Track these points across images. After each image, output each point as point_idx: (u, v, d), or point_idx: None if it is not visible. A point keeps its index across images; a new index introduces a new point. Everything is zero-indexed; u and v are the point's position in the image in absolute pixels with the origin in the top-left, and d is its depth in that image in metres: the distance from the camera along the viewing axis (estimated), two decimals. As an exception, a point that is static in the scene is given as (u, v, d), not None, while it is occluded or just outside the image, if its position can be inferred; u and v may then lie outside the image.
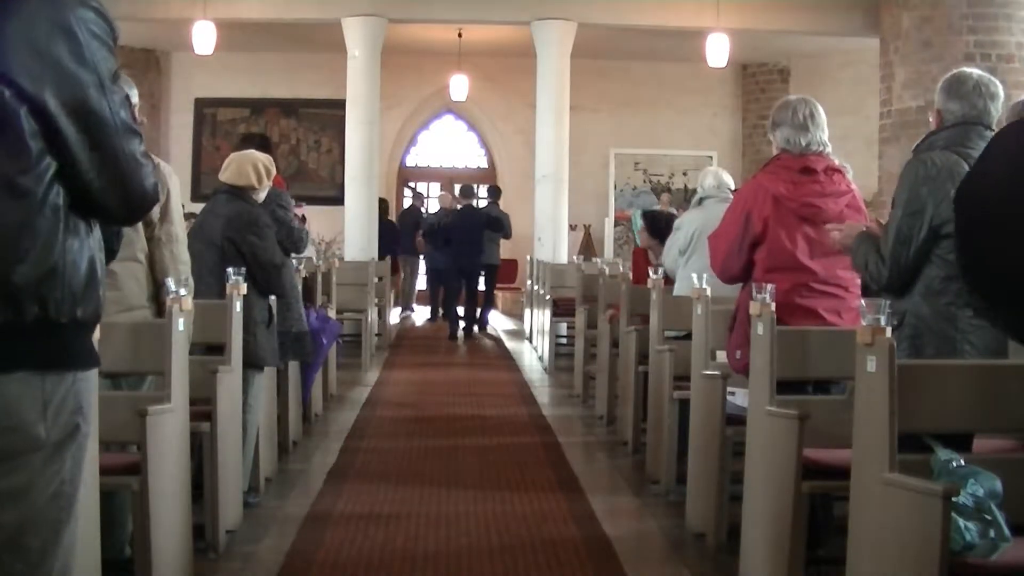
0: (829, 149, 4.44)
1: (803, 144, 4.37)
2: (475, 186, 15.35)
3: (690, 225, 6.21)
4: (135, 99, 3.85)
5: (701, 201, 6.28)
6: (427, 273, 16.41)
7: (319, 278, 8.37)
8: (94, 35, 1.92)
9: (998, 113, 3.69)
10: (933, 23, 11.43)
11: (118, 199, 1.98)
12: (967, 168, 3.53)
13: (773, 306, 3.93)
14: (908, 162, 3.70)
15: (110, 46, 1.96)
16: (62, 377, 1.94)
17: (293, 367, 6.52)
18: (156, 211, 4.02)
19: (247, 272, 5.05)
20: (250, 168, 5.34)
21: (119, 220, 2.11)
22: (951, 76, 3.73)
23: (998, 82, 3.75)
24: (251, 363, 5.17)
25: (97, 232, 2.03)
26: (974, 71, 3.75)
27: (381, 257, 13.91)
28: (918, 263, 3.57)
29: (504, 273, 16.74)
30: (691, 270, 6.00)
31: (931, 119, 3.78)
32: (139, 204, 2.04)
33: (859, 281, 4.35)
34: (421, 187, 18.56)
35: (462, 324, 13.93)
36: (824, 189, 4.35)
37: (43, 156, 1.88)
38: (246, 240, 5.20)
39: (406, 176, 18.72)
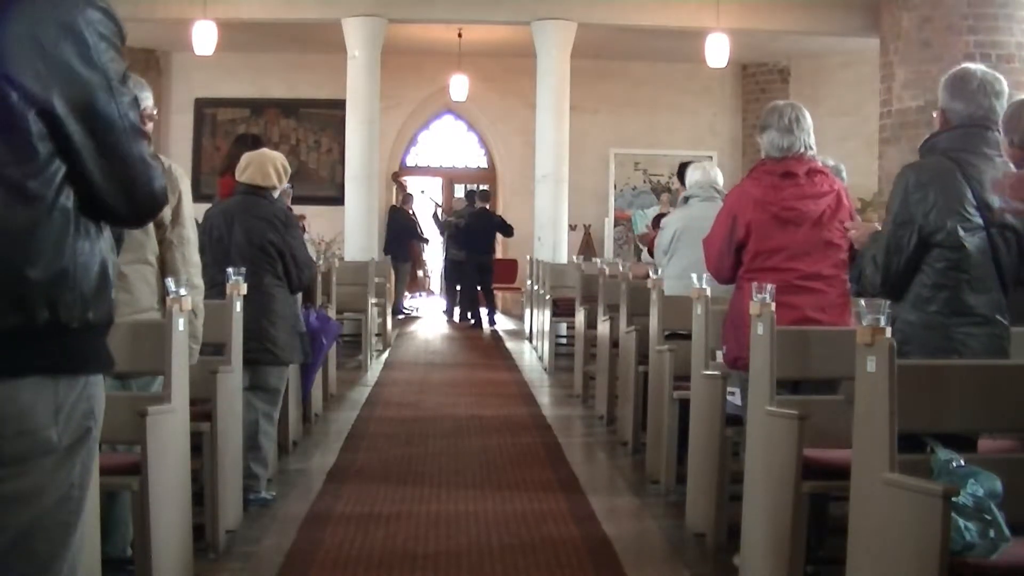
0: (813, 152, 4.49)
1: (786, 147, 4.45)
2: (476, 188, 16.08)
3: (672, 225, 6.24)
4: (149, 101, 3.85)
5: (687, 200, 6.29)
6: (444, 268, 17.05)
7: (319, 278, 8.37)
8: (102, 36, 1.91)
9: (1003, 111, 3.67)
10: (933, 23, 11.43)
11: (125, 201, 1.97)
12: (960, 174, 3.53)
13: (773, 306, 3.94)
14: (901, 169, 3.71)
15: (118, 47, 1.95)
16: (74, 381, 1.93)
17: (293, 367, 6.53)
18: (168, 213, 4.01)
19: (283, 271, 5.38)
20: (271, 168, 5.48)
21: (126, 222, 2.09)
22: (955, 74, 3.69)
23: (1003, 79, 3.72)
24: (286, 360, 5.50)
25: (108, 234, 2.01)
26: (978, 68, 3.71)
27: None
28: (909, 271, 3.58)
29: (504, 273, 16.96)
30: (673, 269, 6.03)
31: (935, 117, 3.75)
32: (146, 206, 2.03)
33: (843, 276, 4.42)
34: (418, 187, 18.58)
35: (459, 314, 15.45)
36: (804, 191, 4.42)
37: (52, 159, 1.87)
38: (286, 241, 5.41)
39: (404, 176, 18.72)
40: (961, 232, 3.50)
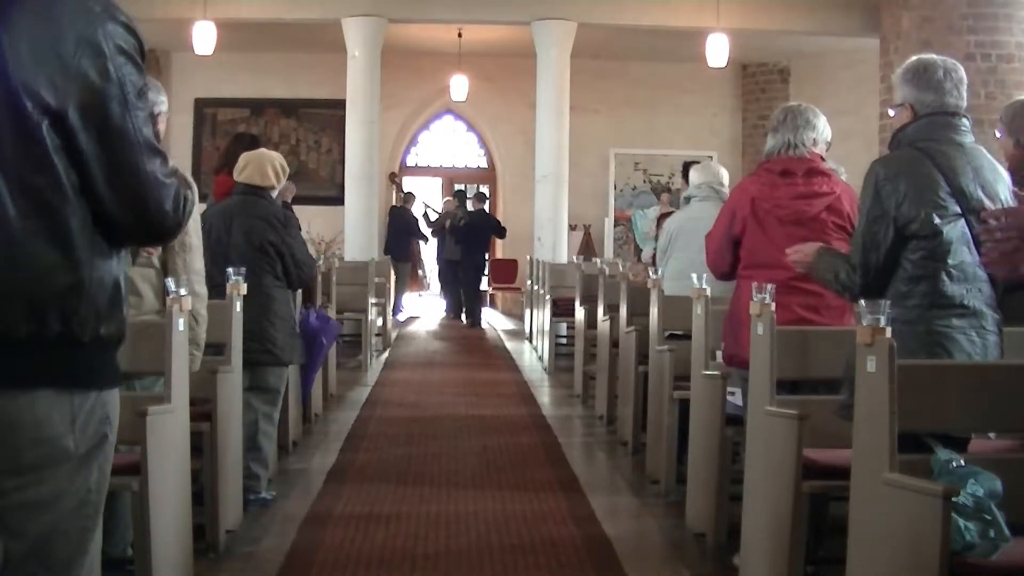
0: (805, 152, 4.43)
1: (787, 146, 4.45)
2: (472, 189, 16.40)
3: (669, 227, 6.26)
4: (164, 106, 3.81)
5: (688, 200, 6.30)
6: (440, 268, 17.10)
7: (319, 278, 8.37)
8: (121, 50, 1.89)
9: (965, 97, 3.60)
10: (933, 23, 11.43)
11: (134, 218, 1.95)
12: (930, 162, 3.45)
13: (773, 306, 3.94)
14: (870, 165, 3.61)
15: (137, 62, 1.92)
16: (87, 393, 1.93)
17: (293, 367, 6.53)
18: None
19: (283, 270, 5.42)
20: (269, 168, 5.50)
21: (137, 239, 2.07)
22: (914, 66, 3.60)
23: (959, 64, 3.64)
24: (286, 361, 5.52)
25: (123, 252, 2.00)
26: (935, 57, 3.64)
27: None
28: (888, 267, 3.49)
29: (504, 273, 17.02)
30: (671, 270, 6.03)
31: (892, 113, 3.66)
32: (158, 224, 1.99)
33: None
34: (418, 186, 18.57)
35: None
36: (799, 191, 4.41)
37: (69, 171, 1.86)
38: (285, 241, 5.45)
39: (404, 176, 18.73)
40: (936, 220, 3.40)
